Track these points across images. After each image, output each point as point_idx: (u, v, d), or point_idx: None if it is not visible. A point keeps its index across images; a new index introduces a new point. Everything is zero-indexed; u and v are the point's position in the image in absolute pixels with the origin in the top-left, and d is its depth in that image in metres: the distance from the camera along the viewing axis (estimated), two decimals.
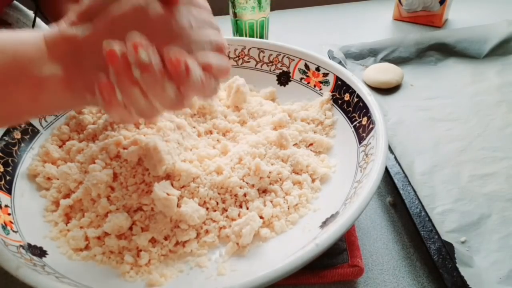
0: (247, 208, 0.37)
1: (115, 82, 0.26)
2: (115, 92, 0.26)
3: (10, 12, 0.56)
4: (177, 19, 0.27)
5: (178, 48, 0.26)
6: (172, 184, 0.37)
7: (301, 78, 0.50)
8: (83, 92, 0.27)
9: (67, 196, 0.38)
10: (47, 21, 0.53)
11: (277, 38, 0.70)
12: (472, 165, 0.45)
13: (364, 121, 0.40)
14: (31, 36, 0.28)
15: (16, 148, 0.40)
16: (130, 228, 0.35)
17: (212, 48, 0.29)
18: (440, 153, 0.47)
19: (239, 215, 0.37)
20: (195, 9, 0.29)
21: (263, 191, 0.39)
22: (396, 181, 0.42)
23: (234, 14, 0.64)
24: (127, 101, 0.27)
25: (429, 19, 0.75)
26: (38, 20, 0.56)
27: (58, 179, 0.39)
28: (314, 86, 0.48)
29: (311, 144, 0.44)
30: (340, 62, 0.59)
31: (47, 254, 0.33)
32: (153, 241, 0.35)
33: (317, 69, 0.48)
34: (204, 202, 0.37)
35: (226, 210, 0.37)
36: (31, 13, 0.59)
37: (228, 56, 0.31)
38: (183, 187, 0.37)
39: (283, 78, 0.51)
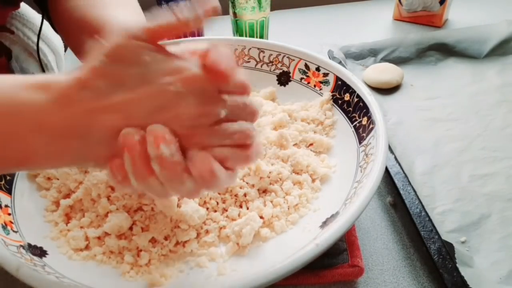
0: (247, 208, 0.37)
1: (130, 169, 0.24)
2: (127, 175, 0.25)
3: (15, 17, 0.55)
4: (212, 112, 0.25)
5: (205, 153, 0.25)
6: None
7: (301, 78, 0.50)
8: (85, 161, 0.26)
9: (67, 196, 0.38)
10: (55, 29, 0.52)
11: (277, 38, 0.70)
12: (472, 165, 0.45)
13: (364, 121, 0.40)
14: (32, 95, 0.24)
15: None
16: (130, 228, 0.35)
17: (235, 140, 0.26)
18: (440, 153, 0.47)
19: (239, 215, 0.37)
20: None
21: (263, 191, 0.39)
22: (396, 181, 0.42)
23: (234, 14, 0.64)
24: (140, 186, 0.25)
25: (429, 19, 0.75)
26: (44, 28, 0.55)
27: (58, 179, 0.39)
28: (314, 86, 0.48)
29: (311, 144, 0.44)
30: (340, 62, 0.59)
31: (47, 254, 0.33)
32: (153, 241, 0.35)
33: (317, 69, 0.48)
34: (204, 202, 0.37)
35: (226, 210, 0.37)
36: (37, 20, 0.58)
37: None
38: None
39: (283, 78, 0.51)
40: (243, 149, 0.26)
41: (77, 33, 0.42)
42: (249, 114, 0.27)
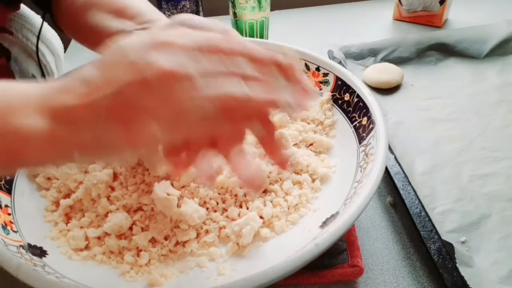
0: (247, 208, 0.37)
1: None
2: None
3: (15, 19, 0.55)
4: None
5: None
6: (172, 184, 0.37)
7: None
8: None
9: (67, 196, 0.38)
10: (58, 29, 0.52)
11: (277, 38, 0.70)
12: (472, 165, 0.45)
13: (364, 121, 0.40)
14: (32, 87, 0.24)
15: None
16: (130, 228, 0.35)
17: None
18: (440, 153, 0.47)
19: (239, 215, 0.37)
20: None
21: (263, 191, 0.39)
22: (396, 181, 0.42)
23: (234, 14, 0.64)
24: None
25: (429, 19, 0.75)
26: (43, 29, 0.54)
27: (58, 179, 0.39)
28: (314, 86, 0.48)
29: (311, 144, 0.44)
30: (340, 62, 0.59)
31: (47, 254, 0.33)
32: (153, 241, 0.35)
33: (317, 69, 0.48)
34: (204, 202, 0.37)
35: (226, 210, 0.37)
36: (36, 21, 0.58)
37: None
38: (183, 187, 0.37)
39: None
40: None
41: (83, 15, 0.42)
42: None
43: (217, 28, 0.26)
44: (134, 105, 0.22)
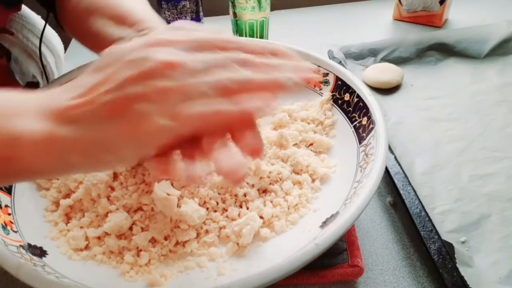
0: (247, 208, 0.37)
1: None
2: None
3: (15, 19, 0.55)
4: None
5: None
6: (172, 184, 0.37)
7: None
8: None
9: (67, 196, 0.38)
10: (60, 28, 0.52)
11: (277, 38, 0.70)
12: (472, 165, 0.45)
13: (364, 121, 0.40)
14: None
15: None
16: (130, 228, 0.35)
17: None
18: (440, 153, 0.47)
19: (239, 215, 0.37)
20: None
21: (263, 191, 0.39)
22: (396, 181, 0.42)
23: (234, 14, 0.64)
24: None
25: (429, 19, 0.75)
26: (46, 30, 0.54)
27: (58, 179, 0.39)
28: (314, 86, 0.48)
29: (311, 144, 0.44)
30: (340, 62, 0.59)
31: (47, 254, 0.33)
32: (153, 241, 0.35)
33: None
34: (204, 202, 0.37)
35: (226, 210, 0.37)
36: (37, 22, 0.58)
37: None
38: (183, 187, 0.37)
39: None
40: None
41: (86, 20, 0.42)
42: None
43: (211, 30, 0.27)
44: (134, 98, 0.22)
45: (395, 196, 0.43)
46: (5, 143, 0.22)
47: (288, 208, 0.37)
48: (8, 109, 0.23)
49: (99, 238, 0.35)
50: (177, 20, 0.58)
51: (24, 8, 0.57)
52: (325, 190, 0.39)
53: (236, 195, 0.38)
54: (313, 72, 0.26)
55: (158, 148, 0.23)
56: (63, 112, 0.23)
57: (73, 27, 0.47)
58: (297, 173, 0.40)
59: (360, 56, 0.64)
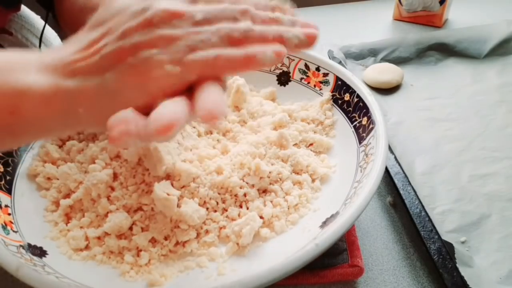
0: (247, 208, 0.37)
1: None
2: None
3: (14, 19, 0.55)
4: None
5: None
6: (172, 184, 0.37)
7: (301, 78, 0.50)
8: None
9: (67, 196, 0.38)
10: (60, 29, 0.52)
11: None
12: (472, 165, 0.45)
13: (364, 121, 0.40)
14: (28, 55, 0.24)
15: (16, 148, 0.40)
16: (130, 228, 0.35)
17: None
18: (440, 153, 0.47)
19: (239, 215, 0.37)
20: None
21: (263, 191, 0.39)
22: (396, 181, 0.42)
23: None
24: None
25: (429, 19, 0.75)
26: (45, 30, 0.54)
27: (58, 179, 0.39)
28: (314, 86, 0.48)
29: (311, 144, 0.44)
30: (340, 62, 0.59)
31: (47, 254, 0.33)
32: (153, 241, 0.35)
33: (317, 69, 0.48)
34: (204, 202, 0.37)
35: (226, 210, 0.37)
36: (36, 22, 0.58)
37: None
38: (183, 187, 0.37)
39: (283, 78, 0.51)
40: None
41: (82, 18, 0.42)
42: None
43: None
44: (140, 46, 0.22)
45: (395, 196, 0.43)
46: (11, 96, 0.22)
47: (288, 208, 0.37)
48: (12, 65, 0.23)
49: (99, 238, 0.35)
50: None
51: (24, 8, 0.57)
52: (325, 190, 0.39)
53: (236, 195, 0.38)
54: (317, 29, 0.26)
55: (163, 94, 0.23)
56: (67, 66, 0.23)
57: (71, 25, 0.47)
58: (297, 173, 0.40)
59: (360, 56, 0.64)
